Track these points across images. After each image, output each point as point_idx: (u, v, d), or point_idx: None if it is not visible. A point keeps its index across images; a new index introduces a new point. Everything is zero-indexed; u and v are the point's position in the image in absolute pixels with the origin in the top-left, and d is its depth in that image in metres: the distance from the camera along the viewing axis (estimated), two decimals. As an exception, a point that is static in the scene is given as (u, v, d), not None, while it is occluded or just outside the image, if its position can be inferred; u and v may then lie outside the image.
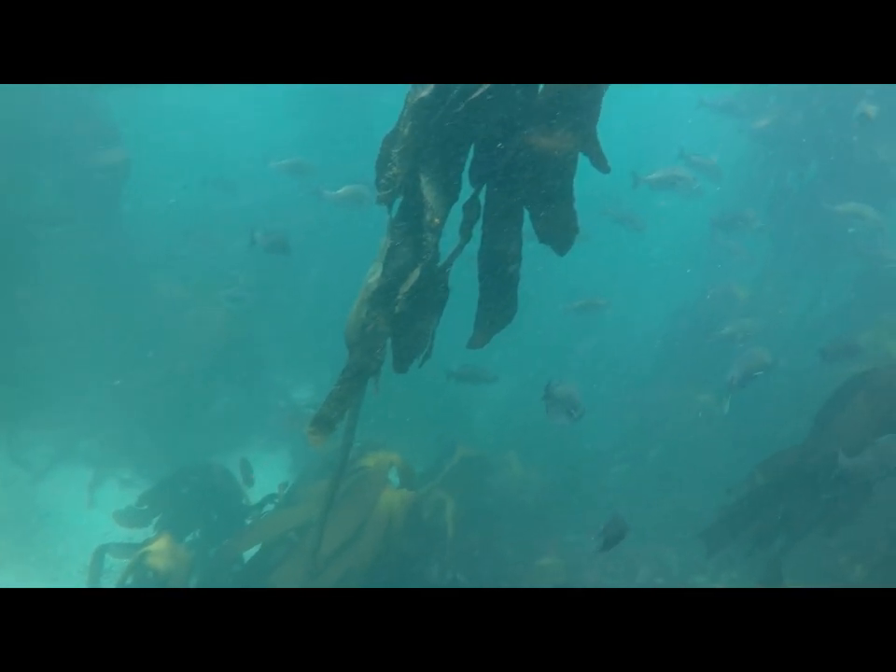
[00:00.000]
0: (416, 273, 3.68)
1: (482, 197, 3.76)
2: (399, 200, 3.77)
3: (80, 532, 7.94)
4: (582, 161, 3.60)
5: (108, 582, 6.65)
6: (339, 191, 8.39)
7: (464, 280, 4.05)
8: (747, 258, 9.03)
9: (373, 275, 3.92)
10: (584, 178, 3.70)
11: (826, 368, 7.28)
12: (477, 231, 3.85)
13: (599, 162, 3.56)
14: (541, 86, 3.47)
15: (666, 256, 13.15)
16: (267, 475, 9.03)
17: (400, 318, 3.83)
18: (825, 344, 6.17)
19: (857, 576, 7.55)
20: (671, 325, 10.92)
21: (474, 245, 3.87)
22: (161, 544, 5.81)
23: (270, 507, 7.42)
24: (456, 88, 3.51)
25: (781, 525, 6.38)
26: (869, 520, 6.63)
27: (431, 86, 3.55)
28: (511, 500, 9.13)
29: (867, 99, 7.18)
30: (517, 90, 3.47)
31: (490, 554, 8.06)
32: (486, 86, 3.41)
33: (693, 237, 12.07)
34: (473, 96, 3.45)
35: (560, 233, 3.67)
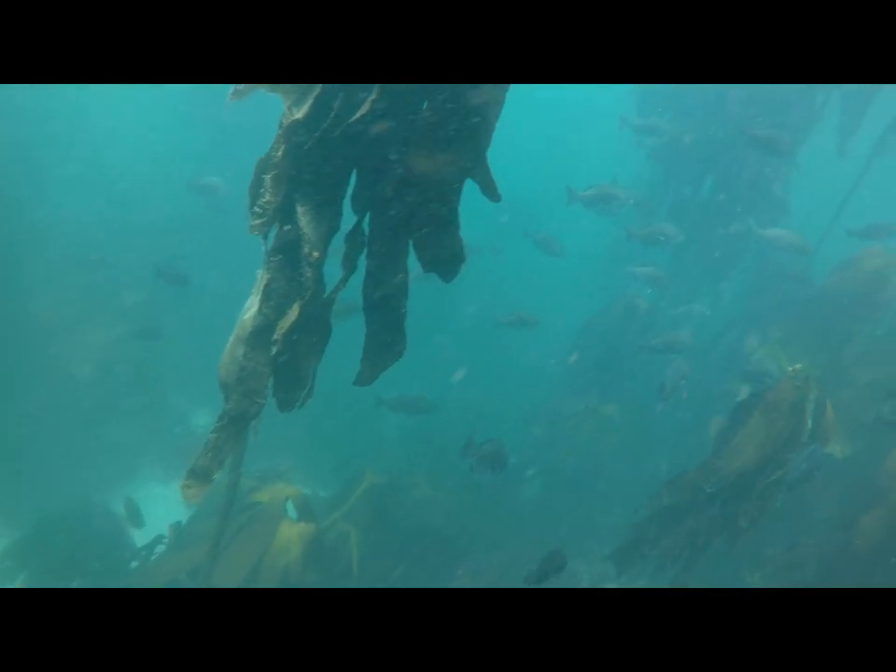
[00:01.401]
0: (295, 311, 3.37)
1: (366, 226, 3.50)
2: (274, 230, 3.45)
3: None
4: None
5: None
6: None
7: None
8: (660, 275, 9.10)
9: (249, 311, 3.57)
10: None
11: (721, 381, 7.44)
12: (362, 261, 3.59)
13: (489, 190, 3.36)
14: (425, 107, 3.24)
15: (578, 266, 13.26)
16: (162, 511, 8.41)
17: (279, 358, 3.50)
18: (744, 369, 6.27)
19: (756, 583, 7.78)
20: (579, 336, 10.97)
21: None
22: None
23: (160, 549, 6.89)
24: (334, 110, 3.23)
25: (687, 541, 6.43)
26: (765, 531, 6.81)
27: (306, 107, 3.25)
28: (422, 523, 8.88)
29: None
30: (400, 111, 3.23)
31: (399, 581, 7.79)
32: (366, 108, 3.15)
33: (601, 249, 12.22)
34: (352, 119, 3.18)
35: (445, 262, 3.44)
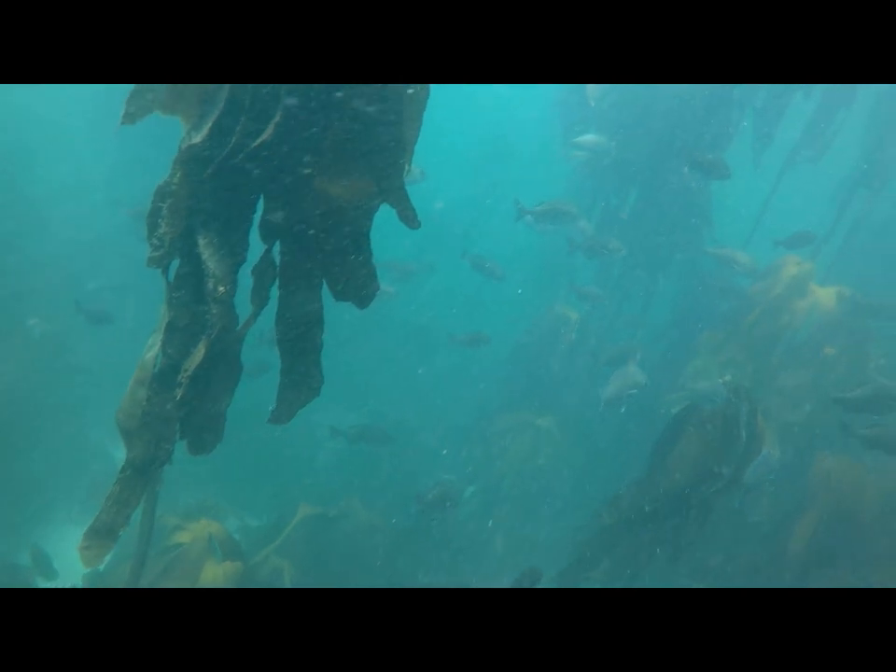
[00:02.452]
0: (201, 352, 3.09)
1: (276, 256, 3.25)
2: (175, 263, 3.17)
3: None
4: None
5: None
6: None
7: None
8: (598, 293, 9.06)
9: (150, 350, 3.27)
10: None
11: (653, 393, 7.45)
12: (275, 292, 3.34)
13: (407, 216, 3.16)
14: (334, 127, 3.02)
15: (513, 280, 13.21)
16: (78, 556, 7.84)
17: (185, 402, 3.21)
18: (691, 388, 6.26)
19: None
20: (514, 350, 10.90)
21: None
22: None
23: (74, 600, 6.38)
24: (235, 134, 2.98)
25: (630, 558, 6.37)
26: (704, 542, 6.82)
27: (205, 131, 3.00)
28: (359, 550, 8.60)
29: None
30: (307, 132, 3.01)
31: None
32: (269, 131, 2.92)
33: (531, 259, 12.22)
34: (255, 144, 2.94)
35: (358, 292, 3.22)
